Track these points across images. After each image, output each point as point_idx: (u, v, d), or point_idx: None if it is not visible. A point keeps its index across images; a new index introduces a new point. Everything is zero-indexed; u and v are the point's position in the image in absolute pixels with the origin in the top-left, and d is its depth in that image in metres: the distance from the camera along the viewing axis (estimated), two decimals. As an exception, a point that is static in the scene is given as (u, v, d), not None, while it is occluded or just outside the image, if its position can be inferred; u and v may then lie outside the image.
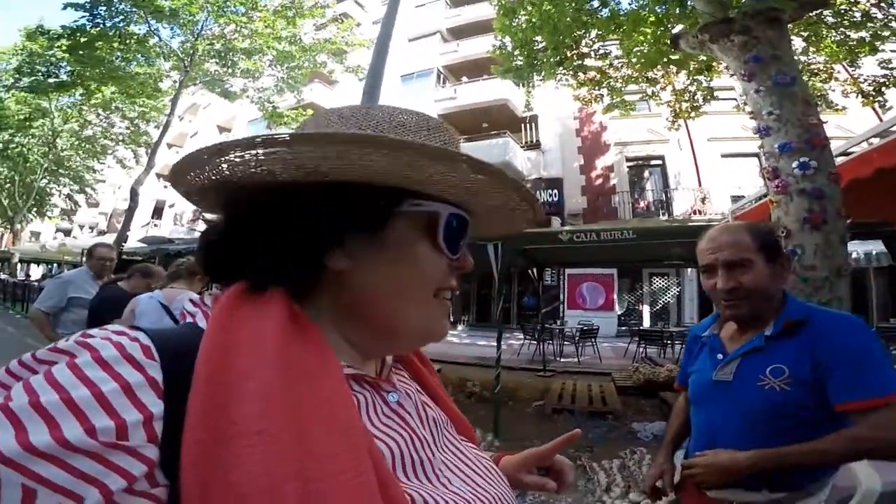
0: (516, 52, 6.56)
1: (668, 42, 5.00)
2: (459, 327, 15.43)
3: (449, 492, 0.42)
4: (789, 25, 4.19)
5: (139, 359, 0.31)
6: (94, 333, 0.33)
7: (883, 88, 6.18)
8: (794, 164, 3.52)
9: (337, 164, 0.37)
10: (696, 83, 6.81)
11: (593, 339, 9.44)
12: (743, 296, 1.06)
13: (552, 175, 15.37)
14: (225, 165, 0.39)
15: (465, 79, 17.37)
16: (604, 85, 7.08)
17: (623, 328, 13.18)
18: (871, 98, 6.31)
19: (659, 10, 5.37)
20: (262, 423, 0.29)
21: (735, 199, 12.84)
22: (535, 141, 16.12)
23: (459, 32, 18.79)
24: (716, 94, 7.19)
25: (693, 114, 7.25)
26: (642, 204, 14.81)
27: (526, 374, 7.10)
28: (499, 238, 4.86)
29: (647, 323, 13.76)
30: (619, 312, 14.38)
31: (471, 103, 16.32)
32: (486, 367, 7.33)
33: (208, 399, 0.30)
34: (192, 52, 10.96)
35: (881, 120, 10.12)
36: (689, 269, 13.50)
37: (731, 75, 4.32)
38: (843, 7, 5.66)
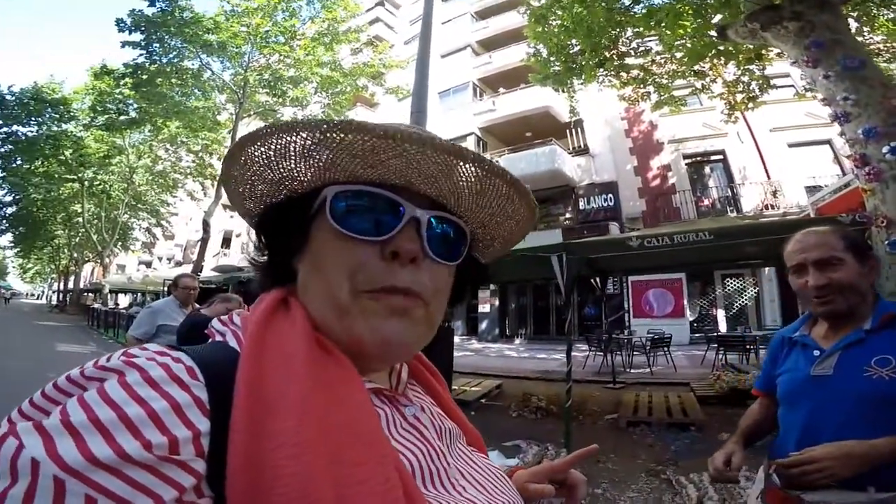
0: (552, 59, 6.53)
1: (715, 33, 4.79)
2: (517, 341, 15.16)
3: (464, 499, 0.44)
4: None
5: (185, 379, 0.33)
6: (137, 353, 0.35)
7: None
8: (886, 150, 3.33)
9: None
10: (748, 73, 6.42)
11: (666, 348, 8.89)
12: (836, 291, 1.09)
13: (605, 179, 14.92)
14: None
15: (502, 90, 17.31)
16: (649, 82, 6.89)
17: (697, 335, 12.32)
18: None
19: (697, 1, 5.16)
20: (300, 436, 0.32)
21: (810, 189, 11.81)
22: (583, 146, 15.74)
23: (490, 44, 18.93)
24: (772, 82, 6.73)
25: (751, 104, 6.82)
26: (706, 202, 13.94)
27: (594, 387, 6.80)
28: (561, 248, 4.77)
29: (722, 328, 12.78)
30: (690, 318, 13.46)
31: (511, 114, 16.24)
32: (549, 381, 7.13)
33: (249, 416, 0.32)
34: (243, 83, 11.87)
35: None
36: (767, 269, 12.45)
37: (793, 62, 4.08)
38: None
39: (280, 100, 12.30)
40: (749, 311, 13.40)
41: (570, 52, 6.32)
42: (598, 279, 9.61)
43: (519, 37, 14.19)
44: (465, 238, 0.48)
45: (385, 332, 0.41)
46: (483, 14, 19.86)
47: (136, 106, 13.29)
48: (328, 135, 0.40)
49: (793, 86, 7.71)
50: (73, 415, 0.29)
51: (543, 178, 14.16)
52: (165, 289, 8.91)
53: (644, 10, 5.55)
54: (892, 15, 5.65)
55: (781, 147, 13.16)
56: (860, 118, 3.45)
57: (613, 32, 5.96)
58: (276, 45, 11.27)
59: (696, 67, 6.35)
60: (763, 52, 5.89)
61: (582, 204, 14.83)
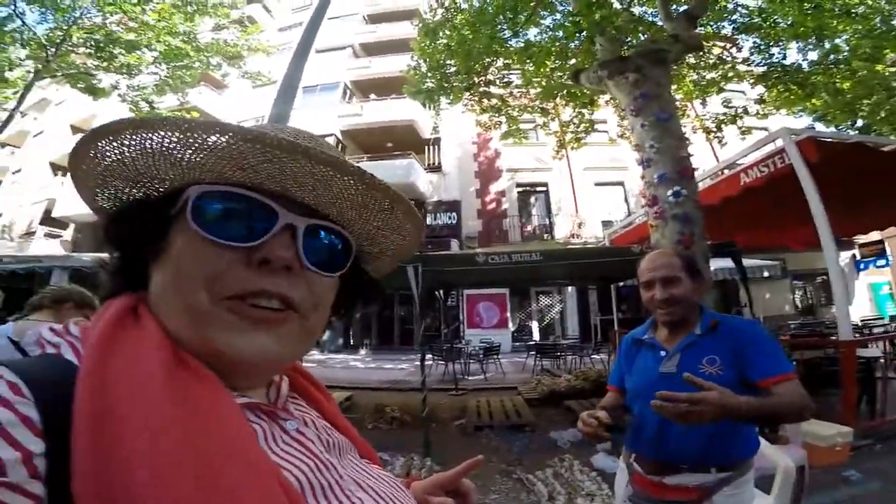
0: (429, 74, 6.77)
1: (570, 75, 5.59)
2: (362, 351, 14.98)
3: None
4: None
5: (7, 396, 0.29)
6: None
7: (722, 125, 7.65)
8: (669, 193, 4.10)
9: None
10: (580, 116, 7.74)
11: (496, 356, 9.97)
12: (675, 303, 1.35)
13: (451, 198, 15.97)
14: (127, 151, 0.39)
15: (373, 96, 17.24)
16: (503, 112, 7.61)
17: (517, 343, 14.14)
18: (713, 134, 7.80)
19: (572, 45, 5.98)
20: (157, 459, 0.29)
21: (605, 223, 14.86)
22: (437, 163, 16.62)
23: (373, 49, 18.70)
24: (595, 127, 8.20)
25: (576, 144, 8.20)
26: (529, 228, 16.21)
27: (440, 395, 7.20)
28: (418, 260, 4.97)
29: (537, 337, 14.95)
30: (512, 329, 15.39)
31: (376, 121, 16.26)
32: (399, 391, 7.29)
33: (95, 437, 0.29)
34: (60, 40, 9.18)
35: (716, 156, 12.66)
36: (571, 287, 15.14)
37: (623, 110, 4.94)
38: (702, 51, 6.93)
39: (105, 64, 9.75)
40: (556, 323, 16.00)
41: (447, 71, 6.65)
42: (441, 291, 10.25)
43: (403, 48, 14.34)
44: (349, 250, 0.47)
45: (247, 347, 0.38)
46: (375, 18, 19.58)
47: None
48: (189, 135, 0.37)
49: (607, 132, 9.49)
50: None
51: (398, 190, 14.57)
52: None
53: (521, 44, 6.17)
54: (695, 77, 7.27)
55: (589, 185, 16.03)
56: (658, 164, 4.19)
57: (487, 60, 6.46)
58: (126, 4, 8.97)
59: (543, 105, 7.36)
60: (595, 98, 7.16)
61: (429, 219, 15.63)
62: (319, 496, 0.40)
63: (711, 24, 6.61)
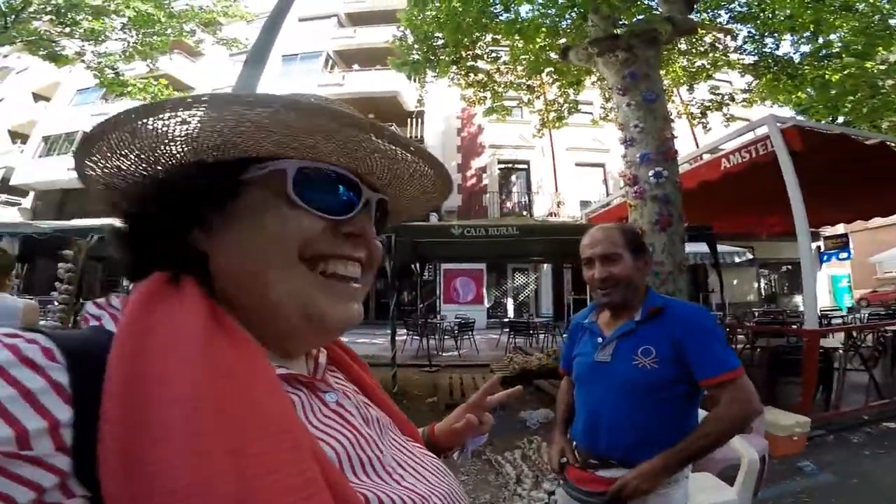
0: (416, 46, 6.55)
1: (560, 52, 5.44)
2: (335, 324, 14.93)
3: (403, 488, 0.42)
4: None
5: (40, 362, 0.28)
6: None
7: (707, 112, 7.67)
8: (650, 173, 4.10)
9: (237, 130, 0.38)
10: (565, 95, 7.62)
11: (471, 332, 10.01)
12: (614, 284, 1.22)
13: None
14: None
15: (356, 66, 16.74)
16: (489, 88, 7.46)
17: (492, 320, 14.27)
18: (698, 119, 7.81)
19: (561, 22, 5.81)
20: (191, 426, 0.28)
21: (584, 203, 14.94)
22: (420, 137, 16.34)
23: (359, 18, 18.10)
24: (579, 107, 8.11)
25: (558, 124, 8.12)
26: (508, 205, 16.19)
27: (413, 371, 7.18)
28: (390, 231, 4.83)
29: (510, 314, 15.13)
30: (487, 306, 15.51)
31: (359, 92, 15.81)
32: (372, 367, 7.21)
33: (127, 403, 0.28)
34: (21, 7, 8.32)
35: (696, 141, 12.77)
36: (546, 265, 15.28)
37: (609, 89, 4.86)
38: (695, 36, 6.84)
39: (68, 30, 8.90)
40: (530, 301, 16.20)
41: (434, 44, 6.42)
42: (417, 264, 10.15)
43: (389, 18, 13.85)
44: (386, 215, 0.51)
45: (345, 313, 0.42)
46: (366, -13, 18.72)
47: None
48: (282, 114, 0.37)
49: (591, 113, 9.54)
50: None
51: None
52: None
53: (511, 18, 5.95)
54: (684, 62, 7.21)
55: (570, 165, 16.13)
56: (641, 144, 4.18)
57: (476, 34, 6.26)
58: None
59: (529, 82, 7.18)
60: (582, 79, 7.04)
61: (409, 193, 15.45)
62: (358, 470, 0.40)
63: (709, 11, 6.48)
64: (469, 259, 12.27)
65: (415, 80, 6.89)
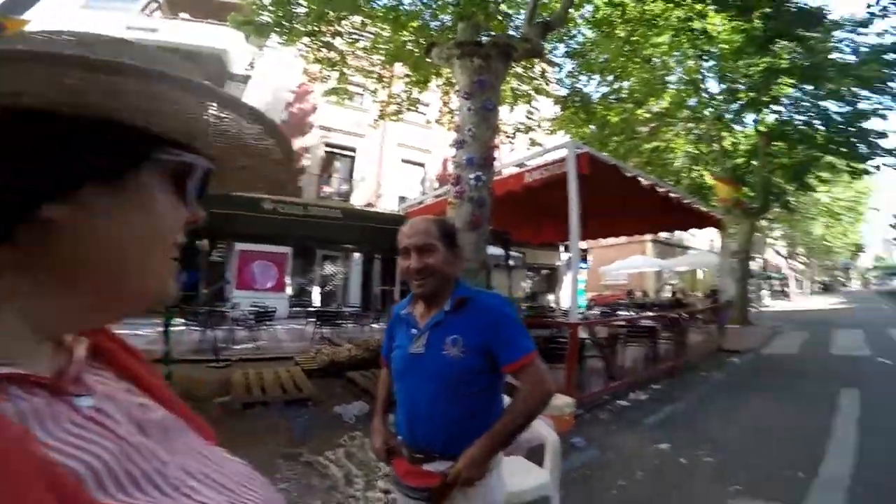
0: (271, 8, 5.74)
1: (425, 48, 5.40)
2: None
3: (196, 503, 0.36)
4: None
5: None
6: None
7: (517, 132, 8.72)
8: (472, 176, 4.38)
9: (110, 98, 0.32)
10: (409, 91, 7.68)
11: (270, 323, 9.06)
12: (429, 275, 1.23)
13: None
14: None
15: (184, 15, 14.00)
16: (338, 68, 7.04)
17: (296, 309, 13.29)
18: (508, 137, 8.80)
19: (433, 21, 5.73)
20: None
21: (402, 199, 15.43)
22: None
23: None
24: (418, 107, 8.28)
25: (396, 118, 8.16)
26: (327, 189, 15.44)
27: (195, 367, 6.00)
28: None
29: (317, 304, 14.41)
30: (290, 294, 14.39)
31: (176, 42, 12.97)
32: (137, 363, 5.71)
33: None
34: None
35: (499, 157, 14.62)
36: (357, 255, 15.12)
37: (456, 91, 5.04)
38: (528, 64, 7.59)
39: None
40: (338, 291, 15.77)
41: (293, 10, 5.69)
42: (206, 242, 8.63)
43: None
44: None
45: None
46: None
47: None
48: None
49: (426, 115, 9.83)
50: None
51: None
52: None
53: (392, 5, 5.62)
54: (515, 84, 7.81)
55: (397, 160, 16.43)
56: (470, 148, 4.43)
57: (346, 13, 5.82)
58: None
59: (382, 71, 6.94)
60: (430, 79, 7.14)
61: (204, 160, 13.27)
62: (130, 488, 0.34)
63: (553, 42, 7.39)
64: (273, 240, 11.10)
65: (256, 44, 5.98)
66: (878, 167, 11.30)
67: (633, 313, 9.74)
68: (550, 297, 19.65)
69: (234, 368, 6.02)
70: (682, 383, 5.93)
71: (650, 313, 9.31)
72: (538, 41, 5.24)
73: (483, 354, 1.18)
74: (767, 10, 7.37)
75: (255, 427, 3.74)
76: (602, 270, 19.83)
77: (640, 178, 5.80)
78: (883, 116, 10.41)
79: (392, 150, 16.40)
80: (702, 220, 8.41)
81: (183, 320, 7.93)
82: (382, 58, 6.73)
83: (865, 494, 2.67)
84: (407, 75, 7.33)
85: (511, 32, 5.99)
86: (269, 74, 14.30)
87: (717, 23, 8.03)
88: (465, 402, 1.17)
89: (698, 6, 7.32)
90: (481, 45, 4.71)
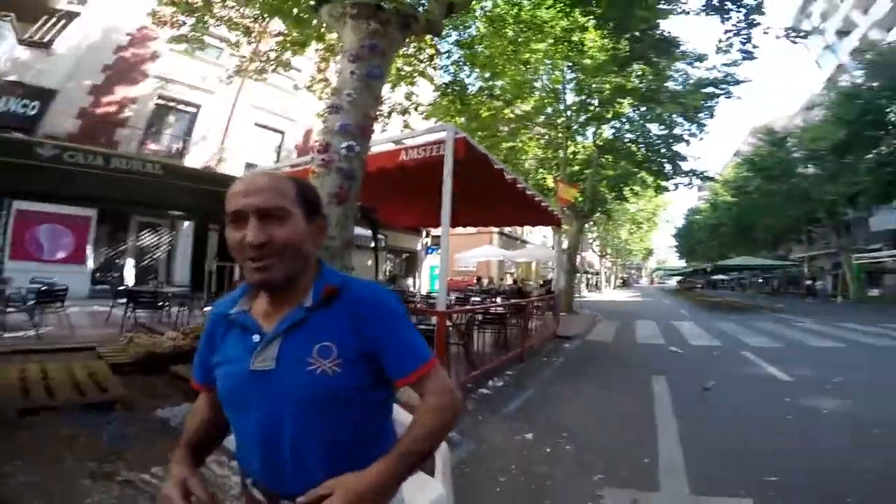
0: None
1: (313, 4, 4.70)
2: None
3: None
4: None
5: None
6: None
7: (392, 113, 8.35)
8: (344, 145, 3.98)
9: None
10: (278, 52, 6.70)
11: (60, 304, 7.06)
12: (276, 253, 0.81)
13: (44, 85, 11.08)
14: None
15: None
16: (197, 15, 5.89)
17: (100, 287, 10.75)
18: (383, 116, 8.41)
19: None
20: None
21: (249, 166, 13.64)
22: (48, 39, 11.54)
23: None
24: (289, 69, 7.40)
25: (257, 77, 7.17)
26: (154, 146, 12.78)
27: (-71, 365, 4.27)
28: None
29: (130, 281, 11.90)
30: (92, 267, 11.56)
31: None
32: None
33: None
34: None
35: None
36: (186, 224, 12.86)
37: (341, 51, 4.52)
38: (420, 45, 7.10)
39: None
40: (160, 265, 13.29)
41: None
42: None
43: None
44: None
45: None
46: None
47: None
48: None
49: (294, 81, 8.84)
50: None
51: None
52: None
53: None
54: (401, 64, 7.29)
55: (249, 123, 14.53)
56: (346, 114, 4.02)
57: None
58: None
59: (252, 24, 5.90)
60: (310, 42, 6.25)
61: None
62: None
63: (447, 27, 7.15)
64: (70, 200, 8.72)
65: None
66: (676, 186, 14.23)
67: (480, 298, 10.41)
68: (409, 281, 19.94)
69: (4, 364, 4.47)
70: (529, 369, 6.33)
71: (499, 300, 10.07)
72: (440, 20, 5.05)
73: (366, 365, 0.84)
74: (637, 32, 7.88)
75: (44, 441, 2.75)
76: (457, 257, 20.98)
77: (505, 172, 6.09)
78: (687, 142, 13.17)
79: (245, 112, 14.57)
80: (547, 218, 9.40)
81: None
82: (258, 11, 5.74)
83: (699, 478, 2.84)
84: (281, 33, 6.41)
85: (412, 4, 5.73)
86: (104, 13, 11.76)
87: (591, 38, 8.88)
88: (344, 431, 0.83)
89: (582, 19, 7.94)
90: (382, 9, 4.31)
